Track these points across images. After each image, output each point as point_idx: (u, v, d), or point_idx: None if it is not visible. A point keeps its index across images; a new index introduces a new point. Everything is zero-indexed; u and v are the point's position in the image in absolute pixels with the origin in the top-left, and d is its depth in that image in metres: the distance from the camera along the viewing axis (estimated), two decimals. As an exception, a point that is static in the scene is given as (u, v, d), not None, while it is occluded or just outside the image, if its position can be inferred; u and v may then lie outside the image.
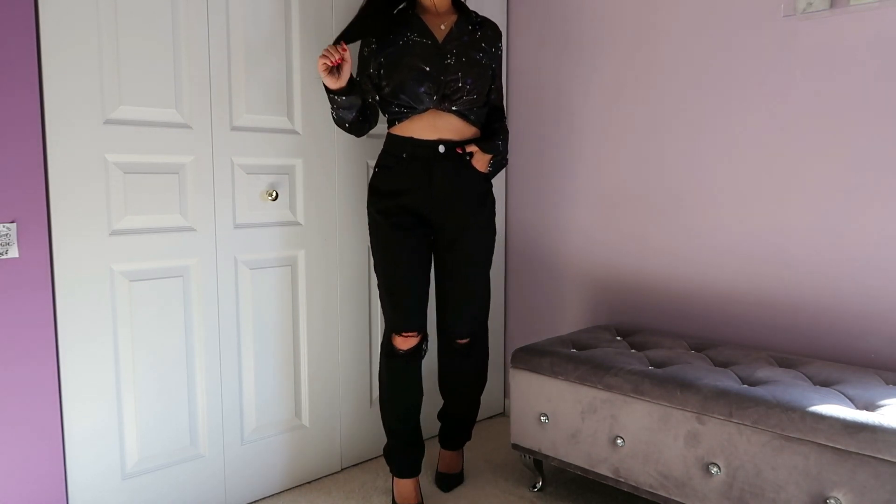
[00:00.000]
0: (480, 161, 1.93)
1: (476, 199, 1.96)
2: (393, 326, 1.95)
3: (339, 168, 2.20)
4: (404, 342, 1.96)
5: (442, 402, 2.22)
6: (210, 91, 1.88)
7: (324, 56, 1.72)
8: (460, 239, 1.95)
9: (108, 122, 1.71)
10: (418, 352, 2.00)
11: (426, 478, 2.23)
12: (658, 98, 2.25)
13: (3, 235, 1.56)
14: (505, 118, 2.06)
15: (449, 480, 2.16)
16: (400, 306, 1.93)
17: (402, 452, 2.02)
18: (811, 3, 1.87)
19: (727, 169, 2.11)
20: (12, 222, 1.58)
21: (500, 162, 1.99)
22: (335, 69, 1.74)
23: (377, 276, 1.98)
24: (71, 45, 1.63)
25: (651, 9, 2.25)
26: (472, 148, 1.91)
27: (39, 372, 1.64)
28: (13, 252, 1.58)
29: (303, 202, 2.11)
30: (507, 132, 2.02)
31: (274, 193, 2.01)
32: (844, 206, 1.89)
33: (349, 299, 2.27)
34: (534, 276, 2.68)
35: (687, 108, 2.19)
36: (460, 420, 2.17)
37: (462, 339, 2.06)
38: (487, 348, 2.16)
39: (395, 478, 2.04)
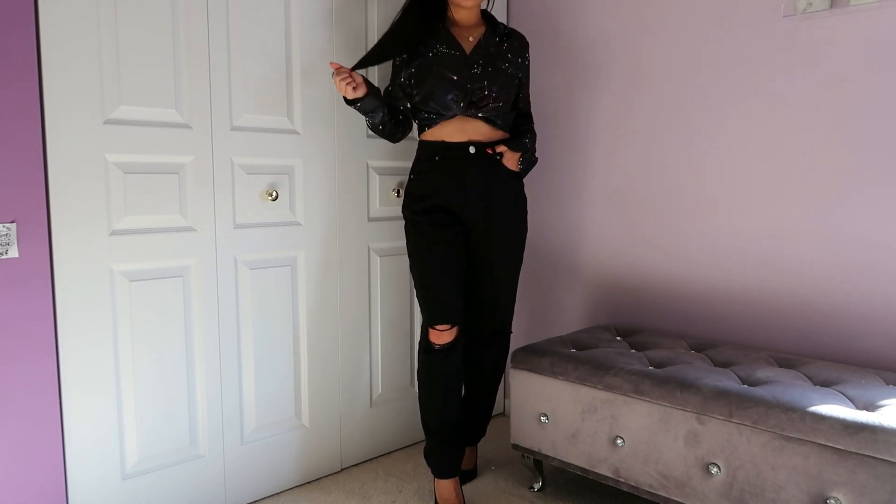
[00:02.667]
0: (511, 160, 1.99)
1: (508, 198, 2.02)
2: (428, 320, 1.97)
3: (339, 168, 2.20)
4: (439, 336, 1.96)
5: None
6: (210, 91, 1.88)
7: (341, 79, 1.84)
8: (493, 237, 2.00)
9: (108, 121, 1.71)
10: (455, 347, 1.99)
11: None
12: (657, 99, 2.25)
13: (3, 235, 1.56)
14: (532, 122, 2.13)
15: (462, 476, 2.16)
16: (435, 300, 1.96)
17: (441, 452, 2.02)
18: (811, 3, 1.87)
19: (727, 169, 2.11)
20: (12, 222, 1.58)
21: (529, 160, 2.05)
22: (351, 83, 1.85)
23: (413, 275, 2.02)
24: (71, 46, 1.63)
25: (653, 10, 2.25)
26: (501, 148, 1.98)
27: (39, 372, 1.64)
28: (13, 252, 1.58)
29: (303, 202, 2.11)
30: (534, 133, 2.09)
31: (274, 193, 2.01)
32: (844, 206, 1.89)
33: (349, 299, 2.26)
34: (534, 277, 2.68)
35: (687, 108, 2.19)
36: (477, 412, 2.19)
37: (496, 333, 2.12)
38: (509, 342, 2.19)
39: (435, 479, 2.04)
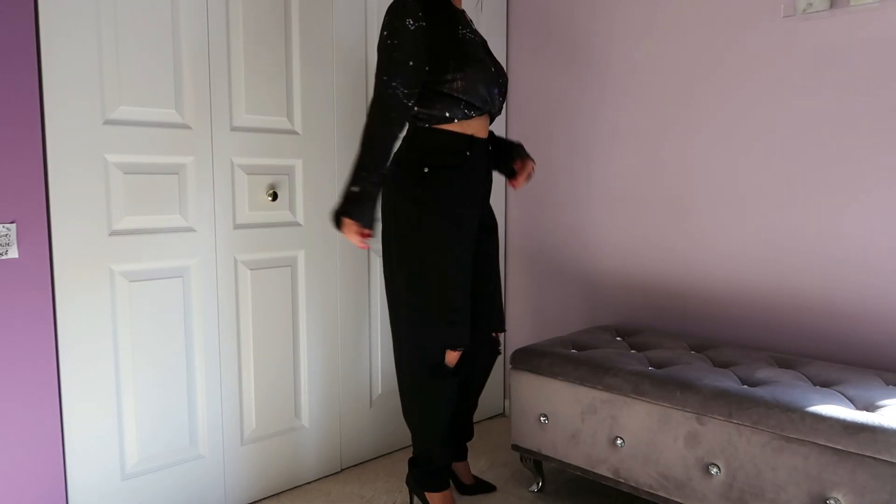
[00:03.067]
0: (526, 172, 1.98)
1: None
2: (452, 343, 1.79)
3: (339, 168, 2.20)
4: (455, 357, 1.84)
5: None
6: (210, 91, 1.88)
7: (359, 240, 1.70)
8: (490, 233, 1.95)
9: (108, 122, 1.71)
10: (462, 363, 1.89)
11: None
12: (656, 99, 2.25)
13: (3, 235, 1.56)
14: None
15: (470, 489, 2.09)
16: (463, 322, 1.79)
17: (440, 471, 1.91)
18: (811, 3, 1.87)
19: (726, 170, 2.11)
20: (12, 222, 1.58)
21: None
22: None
23: (427, 294, 1.75)
24: (71, 46, 1.63)
25: (652, 9, 2.25)
26: (530, 168, 1.97)
27: (39, 372, 1.64)
28: (13, 252, 1.58)
29: (303, 202, 2.11)
30: None
31: (274, 193, 2.01)
32: (845, 206, 1.89)
33: (349, 299, 2.26)
34: (534, 277, 2.68)
35: (686, 109, 2.19)
36: (470, 417, 2.10)
37: (500, 330, 2.03)
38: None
39: (429, 493, 1.91)
